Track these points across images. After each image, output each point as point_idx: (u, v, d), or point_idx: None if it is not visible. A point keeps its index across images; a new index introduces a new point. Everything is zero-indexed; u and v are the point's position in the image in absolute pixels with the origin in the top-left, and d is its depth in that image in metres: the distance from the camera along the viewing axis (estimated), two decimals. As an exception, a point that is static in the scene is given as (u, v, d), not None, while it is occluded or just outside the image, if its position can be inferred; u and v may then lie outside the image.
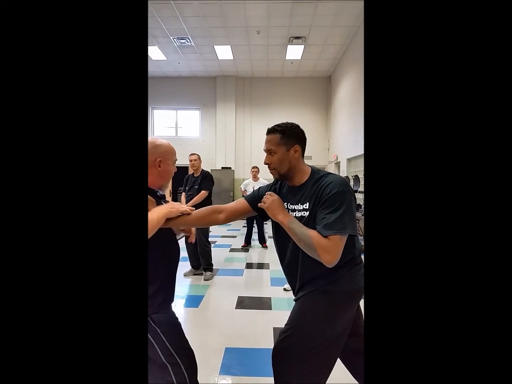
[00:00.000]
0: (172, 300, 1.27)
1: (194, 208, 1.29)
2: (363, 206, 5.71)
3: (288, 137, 1.25)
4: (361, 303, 1.35)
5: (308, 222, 1.19)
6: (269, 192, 1.30)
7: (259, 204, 1.28)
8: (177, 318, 1.25)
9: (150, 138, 1.25)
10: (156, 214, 1.09)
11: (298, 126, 1.29)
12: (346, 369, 1.44)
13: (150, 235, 1.03)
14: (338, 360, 1.30)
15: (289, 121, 1.31)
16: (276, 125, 1.27)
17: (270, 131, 1.28)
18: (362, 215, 5.33)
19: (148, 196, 1.12)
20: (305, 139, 1.30)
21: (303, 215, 1.22)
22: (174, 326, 1.21)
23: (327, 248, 1.10)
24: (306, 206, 1.22)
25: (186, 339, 1.24)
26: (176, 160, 1.31)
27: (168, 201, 1.40)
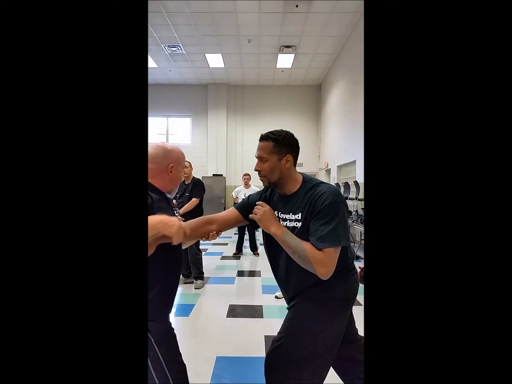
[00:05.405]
0: (170, 309, 1.22)
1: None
2: (353, 213, 5.74)
3: (281, 146, 1.22)
4: (353, 310, 1.36)
5: (301, 233, 1.18)
6: (259, 202, 1.26)
7: (250, 216, 1.25)
8: (173, 329, 1.19)
9: (159, 143, 1.24)
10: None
11: (292, 135, 1.26)
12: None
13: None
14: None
15: (283, 129, 1.27)
16: (270, 132, 1.24)
17: (263, 138, 1.24)
18: (353, 221, 5.36)
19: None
20: (298, 148, 1.27)
21: (295, 225, 1.20)
22: (169, 338, 1.15)
23: (322, 261, 1.09)
24: (298, 216, 1.20)
25: (179, 352, 1.19)
26: (185, 165, 1.29)
27: (175, 206, 1.37)
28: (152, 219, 0.98)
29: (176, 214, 1.31)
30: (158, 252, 1.06)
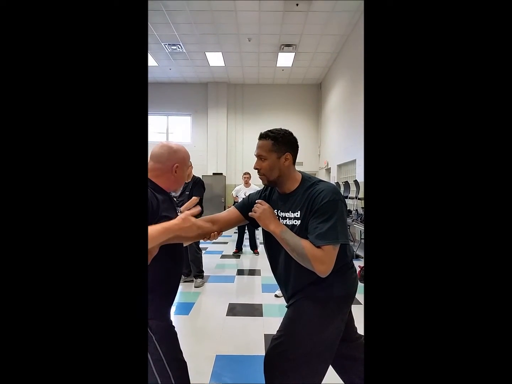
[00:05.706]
0: (170, 306, 1.23)
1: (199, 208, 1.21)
2: (353, 212, 5.75)
3: (280, 144, 1.23)
4: (353, 309, 1.36)
5: (300, 231, 1.18)
6: (259, 201, 1.27)
7: (249, 214, 1.26)
8: (174, 327, 1.20)
9: (165, 142, 1.24)
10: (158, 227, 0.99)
11: (291, 134, 1.27)
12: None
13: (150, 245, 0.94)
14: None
15: (282, 128, 1.28)
16: (269, 131, 1.25)
17: (262, 136, 1.25)
18: (353, 220, 5.37)
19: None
20: (297, 146, 1.28)
21: (294, 223, 1.21)
22: (170, 336, 1.16)
23: (320, 259, 1.10)
24: (297, 214, 1.21)
25: (180, 350, 1.19)
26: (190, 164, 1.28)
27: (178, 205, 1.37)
28: (169, 224, 1.02)
29: (178, 214, 1.31)
30: (160, 252, 1.06)
